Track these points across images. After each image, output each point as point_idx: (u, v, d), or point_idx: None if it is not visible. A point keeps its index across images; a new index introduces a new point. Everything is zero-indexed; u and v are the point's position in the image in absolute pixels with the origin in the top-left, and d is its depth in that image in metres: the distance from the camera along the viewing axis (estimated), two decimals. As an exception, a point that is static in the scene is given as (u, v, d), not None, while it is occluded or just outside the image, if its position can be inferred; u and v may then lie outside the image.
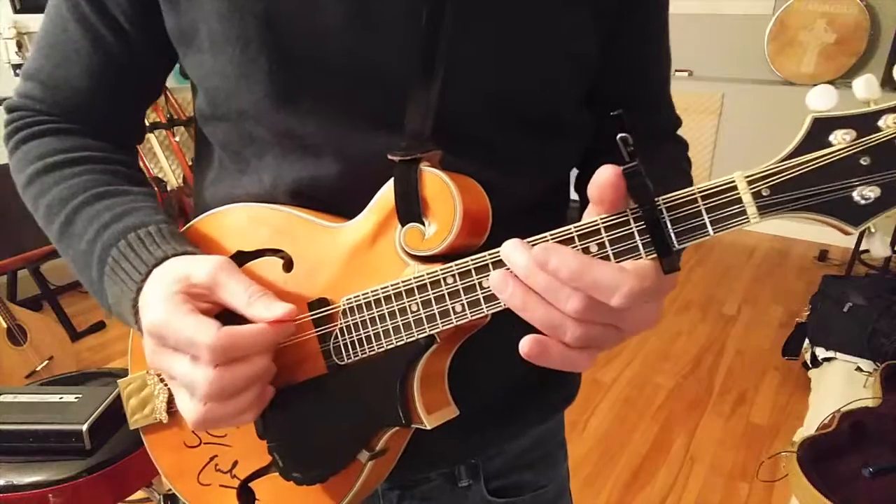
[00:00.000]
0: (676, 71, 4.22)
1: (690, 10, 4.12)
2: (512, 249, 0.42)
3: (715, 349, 2.83)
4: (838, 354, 2.34)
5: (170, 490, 0.64)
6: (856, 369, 2.23)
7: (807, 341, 2.52)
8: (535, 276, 0.41)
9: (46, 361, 2.27)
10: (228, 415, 0.48)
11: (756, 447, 2.22)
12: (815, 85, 0.39)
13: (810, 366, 2.47)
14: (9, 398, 1.25)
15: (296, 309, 0.49)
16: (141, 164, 0.68)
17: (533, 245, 0.42)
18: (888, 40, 3.64)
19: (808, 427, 2.00)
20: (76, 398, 1.26)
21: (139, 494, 1.38)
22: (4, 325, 2.20)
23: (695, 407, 2.44)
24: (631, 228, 0.41)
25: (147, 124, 3.29)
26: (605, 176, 0.40)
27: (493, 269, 0.45)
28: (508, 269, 0.42)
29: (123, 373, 0.93)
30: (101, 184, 0.58)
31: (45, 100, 0.60)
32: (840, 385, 2.17)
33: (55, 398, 1.26)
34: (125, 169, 0.62)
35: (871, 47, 3.74)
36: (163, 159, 3.55)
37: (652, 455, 2.19)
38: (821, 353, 2.40)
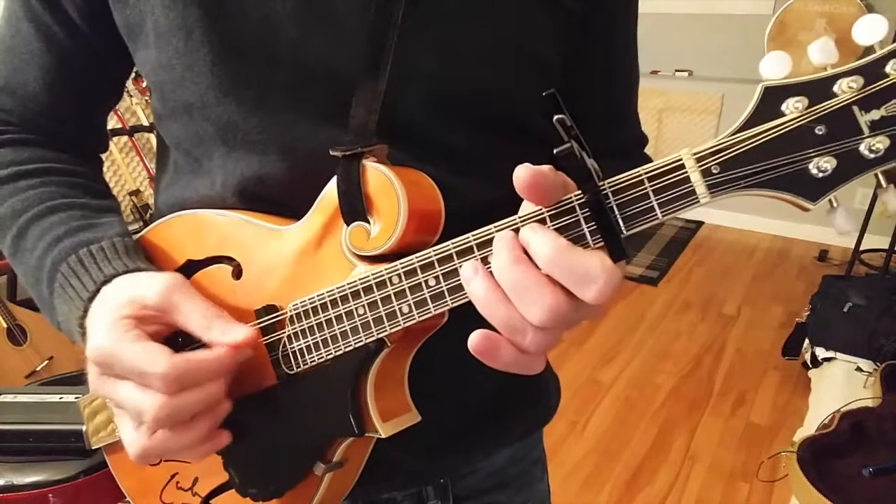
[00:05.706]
0: (676, 71, 4.22)
1: (690, 10, 4.11)
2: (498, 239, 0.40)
3: (715, 349, 2.83)
4: (838, 354, 2.34)
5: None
6: (856, 369, 2.23)
7: (807, 341, 2.52)
8: (508, 271, 0.38)
9: (46, 361, 2.27)
10: (177, 446, 0.46)
11: (756, 447, 2.22)
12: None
13: (810, 366, 2.47)
14: (9, 398, 1.25)
15: (256, 333, 0.47)
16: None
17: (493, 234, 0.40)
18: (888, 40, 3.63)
19: (808, 427, 2.00)
20: (76, 398, 1.25)
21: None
22: (4, 325, 2.20)
23: (695, 407, 2.44)
24: (577, 216, 0.39)
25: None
26: (520, 176, 0.37)
27: (439, 267, 0.43)
28: (480, 261, 0.41)
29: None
30: (56, 196, 0.55)
31: (3, 107, 0.58)
32: (840, 385, 2.17)
33: (55, 398, 1.25)
34: (85, 181, 0.59)
35: (870, 47, 3.74)
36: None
37: (652, 455, 2.19)
38: (821, 353, 2.40)
